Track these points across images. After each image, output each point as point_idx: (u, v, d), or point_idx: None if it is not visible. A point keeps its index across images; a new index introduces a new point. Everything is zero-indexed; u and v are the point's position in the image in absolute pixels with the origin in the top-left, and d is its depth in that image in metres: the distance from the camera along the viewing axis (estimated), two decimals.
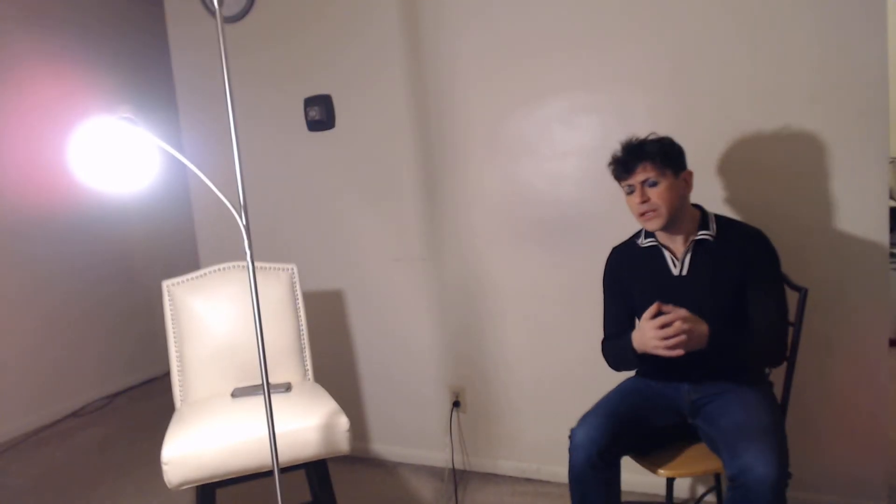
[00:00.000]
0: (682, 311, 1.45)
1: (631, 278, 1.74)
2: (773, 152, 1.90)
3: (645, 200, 1.57)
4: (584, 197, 2.17)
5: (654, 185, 1.57)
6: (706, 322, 1.48)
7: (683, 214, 1.63)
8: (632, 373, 1.79)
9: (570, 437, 1.58)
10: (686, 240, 1.64)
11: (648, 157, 1.56)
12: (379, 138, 2.46)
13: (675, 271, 1.65)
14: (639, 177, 1.57)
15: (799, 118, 1.86)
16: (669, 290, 1.63)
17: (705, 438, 1.61)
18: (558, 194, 2.21)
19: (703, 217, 1.66)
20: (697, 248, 1.63)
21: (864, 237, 1.84)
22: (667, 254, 1.67)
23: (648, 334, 1.49)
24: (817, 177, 1.86)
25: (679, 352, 1.45)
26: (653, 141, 1.60)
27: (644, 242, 1.72)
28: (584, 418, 1.60)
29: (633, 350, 1.57)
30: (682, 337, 1.43)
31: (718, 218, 1.67)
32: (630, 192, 1.61)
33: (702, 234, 1.63)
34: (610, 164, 1.65)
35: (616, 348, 1.71)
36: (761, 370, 1.68)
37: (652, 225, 1.60)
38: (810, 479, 1.98)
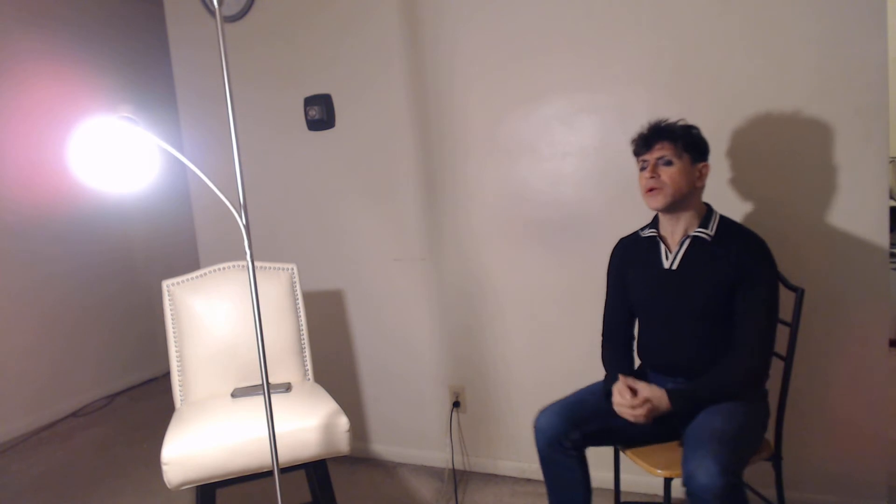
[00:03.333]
0: (644, 394, 1.53)
1: (629, 269, 1.75)
2: (773, 152, 1.90)
3: (654, 177, 1.57)
4: (584, 197, 2.17)
5: (668, 164, 1.56)
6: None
7: (689, 204, 1.61)
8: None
9: (534, 426, 1.67)
10: (684, 233, 1.63)
11: (670, 137, 1.57)
12: (379, 138, 2.46)
13: (667, 264, 1.65)
14: (655, 153, 1.58)
15: (799, 118, 1.86)
16: (659, 283, 1.65)
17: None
18: (558, 194, 2.21)
19: (707, 214, 1.64)
20: (693, 244, 1.61)
21: (864, 237, 1.84)
22: (662, 246, 1.67)
23: (616, 399, 1.58)
24: (817, 176, 1.86)
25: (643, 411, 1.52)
26: (680, 124, 1.61)
27: (645, 232, 1.73)
28: (545, 407, 1.69)
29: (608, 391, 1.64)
30: (644, 409, 1.51)
31: (723, 219, 1.63)
32: (643, 168, 1.62)
33: (698, 231, 1.61)
34: (633, 140, 1.66)
35: (604, 362, 1.79)
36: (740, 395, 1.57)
37: (654, 202, 1.59)
38: (810, 480, 1.98)
